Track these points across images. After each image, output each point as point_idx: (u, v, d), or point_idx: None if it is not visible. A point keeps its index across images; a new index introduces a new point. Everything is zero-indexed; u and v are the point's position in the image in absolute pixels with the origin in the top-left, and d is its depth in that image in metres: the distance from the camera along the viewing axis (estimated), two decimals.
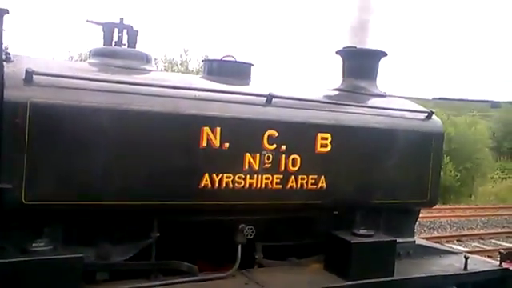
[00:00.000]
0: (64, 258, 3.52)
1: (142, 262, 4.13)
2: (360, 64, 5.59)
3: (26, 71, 3.47)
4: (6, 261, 3.34)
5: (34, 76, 3.50)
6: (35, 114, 3.42)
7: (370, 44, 5.57)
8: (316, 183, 4.57)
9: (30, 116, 3.40)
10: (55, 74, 3.64)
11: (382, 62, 5.65)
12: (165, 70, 20.30)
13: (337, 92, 5.47)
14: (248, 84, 4.90)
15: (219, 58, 5.02)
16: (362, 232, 4.85)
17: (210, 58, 5.11)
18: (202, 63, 5.65)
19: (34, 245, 3.51)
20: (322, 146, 4.57)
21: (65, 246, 3.69)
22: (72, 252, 3.61)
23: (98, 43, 4.59)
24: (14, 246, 3.52)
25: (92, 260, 3.88)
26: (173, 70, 20.40)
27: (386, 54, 5.59)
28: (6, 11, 3.37)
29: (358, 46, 5.54)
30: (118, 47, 4.56)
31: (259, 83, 4.95)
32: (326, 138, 4.59)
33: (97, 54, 4.48)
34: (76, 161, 3.61)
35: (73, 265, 3.53)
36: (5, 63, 3.42)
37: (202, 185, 4.07)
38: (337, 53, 5.66)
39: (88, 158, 3.65)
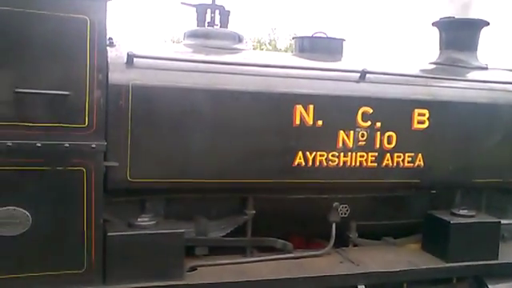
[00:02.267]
0: (167, 233, 3.68)
1: (238, 239, 4.23)
2: (459, 35, 5.28)
3: (128, 54, 3.63)
4: (116, 234, 3.54)
5: (135, 59, 3.66)
6: (137, 96, 3.57)
7: (470, 13, 5.26)
8: (413, 161, 4.43)
9: (132, 98, 3.56)
10: (154, 57, 3.78)
11: (484, 32, 5.32)
12: (253, 49, 20.44)
13: (434, 66, 5.23)
14: (340, 60, 4.81)
15: (309, 35, 4.97)
16: (462, 212, 4.66)
17: (300, 35, 5.05)
18: (291, 41, 5.63)
19: (138, 219, 3.70)
20: (419, 122, 4.41)
21: (166, 221, 3.85)
22: (173, 227, 3.76)
23: (192, 25, 4.69)
24: (120, 220, 3.73)
25: (192, 235, 4.03)
26: (261, 49, 20.51)
27: (487, 24, 5.24)
28: None
29: (456, 16, 5.26)
30: (211, 28, 4.64)
31: (352, 59, 4.84)
32: (424, 114, 4.41)
33: (191, 35, 4.58)
34: (175, 140, 3.74)
35: (175, 239, 3.68)
36: (108, 48, 3.59)
37: (296, 163, 4.07)
38: (433, 24, 5.39)
39: (186, 137, 3.77)
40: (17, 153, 3.23)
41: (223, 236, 4.18)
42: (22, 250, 3.29)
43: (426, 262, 4.51)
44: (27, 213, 3.28)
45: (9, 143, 3.20)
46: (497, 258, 4.63)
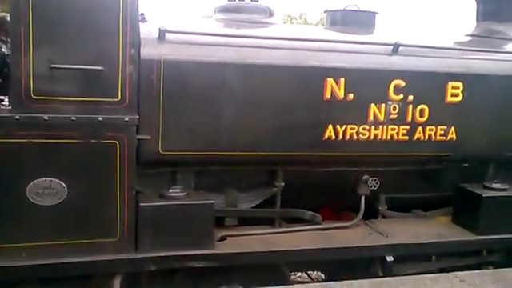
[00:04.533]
0: (198, 204, 3.78)
1: (267, 210, 4.31)
2: (497, 6, 5.13)
3: (159, 30, 3.67)
4: (148, 204, 3.65)
5: (167, 34, 3.70)
6: (168, 71, 3.62)
7: None
8: (445, 134, 4.38)
9: (164, 72, 3.62)
10: (185, 32, 3.81)
11: None
12: (284, 23, 20.11)
13: (469, 38, 5.09)
14: (373, 33, 4.73)
15: (341, 8, 4.89)
16: (494, 186, 4.62)
17: (331, 8, 4.98)
18: (322, 15, 5.55)
19: (170, 191, 3.80)
20: (452, 95, 4.34)
21: (196, 192, 3.94)
22: (203, 198, 3.85)
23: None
24: (152, 191, 3.84)
25: (222, 206, 4.13)
26: (291, 23, 20.24)
27: None
28: None
29: None
30: (242, 2, 4.61)
31: (384, 32, 4.75)
32: (457, 87, 4.34)
33: (222, 9, 4.57)
34: (205, 114, 3.79)
35: (205, 210, 3.77)
36: (140, 23, 3.64)
37: (326, 136, 4.08)
38: None
39: (216, 111, 3.82)
40: (53, 126, 3.35)
41: (252, 207, 4.26)
42: (58, 219, 3.45)
43: (456, 235, 4.52)
44: (63, 184, 3.42)
45: (45, 117, 3.32)
46: None
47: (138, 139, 3.60)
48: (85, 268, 3.51)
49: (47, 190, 3.39)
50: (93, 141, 3.44)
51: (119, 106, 3.49)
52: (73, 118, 3.37)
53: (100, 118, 3.42)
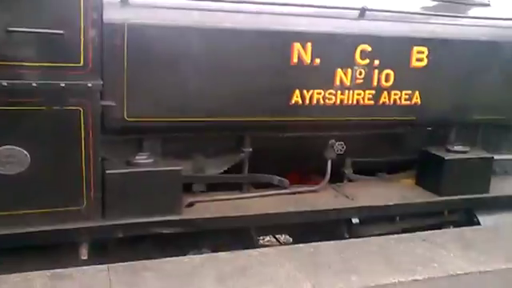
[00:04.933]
0: (165, 170, 3.75)
1: (235, 175, 4.32)
2: None
3: None
4: (115, 171, 3.61)
5: None
6: (132, 35, 3.52)
7: None
8: (410, 99, 4.44)
9: (128, 37, 3.52)
10: None
11: None
12: None
13: (435, 3, 5.11)
14: None
15: None
16: (456, 148, 4.74)
17: None
18: None
19: (136, 157, 3.76)
20: (417, 60, 4.37)
21: (164, 159, 3.91)
22: (170, 165, 3.83)
23: None
24: (118, 158, 3.79)
25: (189, 173, 4.11)
26: None
27: None
28: None
29: None
30: None
31: None
32: (422, 52, 4.37)
33: None
34: (171, 79, 3.73)
35: (172, 176, 3.76)
36: None
37: (293, 101, 4.08)
38: None
39: (182, 76, 3.75)
40: (13, 92, 3.23)
41: (220, 173, 4.27)
42: (21, 188, 3.37)
43: (419, 196, 4.65)
44: (25, 152, 3.33)
45: (4, 83, 3.19)
46: (488, 192, 4.78)
47: (103, 105, 3.52)
48: (51, 237, 3.46)
49: (8, 158, 3.30)
50: (55, 107, 3.34)
51: (82, 71, 3.37)
52: (34, 84, 3.25)
53: (62, 84, 3.31)
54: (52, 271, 3.16)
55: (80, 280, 3.09)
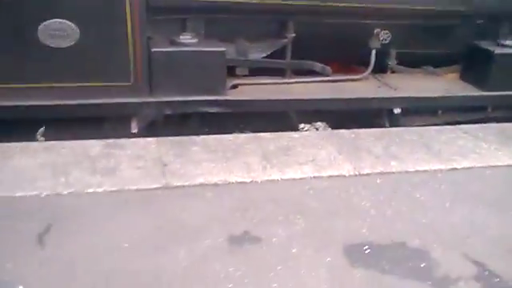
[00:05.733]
0: (210, 51, 3.76)
1: (278, 61, 4.29)
2: None
3: None
4: (160, 49, 3.64)
5: None
6: None
7: None
8: None
9: None
10: None
11: None
12: None
13: None
14: None
15: None
16: (508, 43, 4.55)
17: None
18: None
19: (180, 37, 3.76)
20: None
21: (207, 40, 3.90)
22: (215, 45, 3.82)
23: None
24: (162, 37, 3.79)
25: (232, 56, 4.11)
26: None
27: None
28: None
29: None
30: None
31: None
32: None
33: None
34: None
35: (217, 57, 3.77)
36: None
37: None
38: None
39: None
40: None
41: (264, 58, 4.25)
42: (72, 61, 3.44)
43: (464, 90, 4.55)
44: (75, 26, 3.37)
45: None
46: None
47: None
48: (102, 109, 3.59)
49: (58, 32, 3.36)
50: None
51: None
52: None
53: None
54: (106, 140, 3.30)
55: (132, 149, 3.23)
